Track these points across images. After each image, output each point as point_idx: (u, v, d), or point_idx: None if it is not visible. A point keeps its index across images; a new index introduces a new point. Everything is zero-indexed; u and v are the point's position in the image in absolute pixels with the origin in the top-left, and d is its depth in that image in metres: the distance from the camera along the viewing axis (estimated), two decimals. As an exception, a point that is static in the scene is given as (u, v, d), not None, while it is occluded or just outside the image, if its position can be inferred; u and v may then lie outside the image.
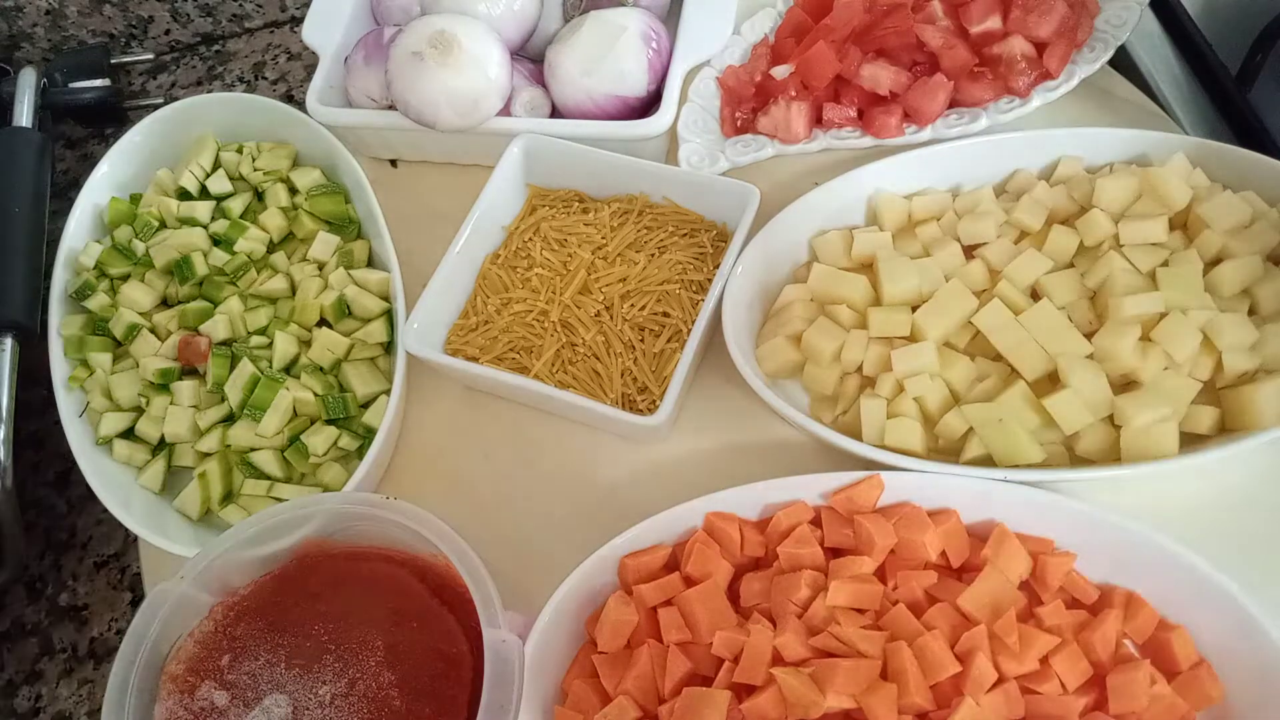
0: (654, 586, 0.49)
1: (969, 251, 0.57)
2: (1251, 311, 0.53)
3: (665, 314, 0.59)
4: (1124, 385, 0.52)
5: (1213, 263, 0.54)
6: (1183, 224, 0.56)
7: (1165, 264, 0.53)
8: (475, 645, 0.48)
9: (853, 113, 0.63)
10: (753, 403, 0.57)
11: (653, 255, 0.61)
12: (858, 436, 0.53)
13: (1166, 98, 0.73)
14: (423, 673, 0.49)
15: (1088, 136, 0.61)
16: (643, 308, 0.59)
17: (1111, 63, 0.78)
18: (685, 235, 0.62)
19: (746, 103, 0.66)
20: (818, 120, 0.64)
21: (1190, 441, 0.51)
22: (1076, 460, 0.52)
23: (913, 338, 0.55)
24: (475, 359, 0.60)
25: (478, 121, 0.65)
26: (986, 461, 0.51)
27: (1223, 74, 0.71)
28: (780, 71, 0.65)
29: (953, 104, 0.63)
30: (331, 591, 0.53)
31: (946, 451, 0.54)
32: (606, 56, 0.65)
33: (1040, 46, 0.62)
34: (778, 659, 0.46)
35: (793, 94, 0.64)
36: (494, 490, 0.59)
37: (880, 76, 0.62)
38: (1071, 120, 0.66)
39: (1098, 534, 0.48)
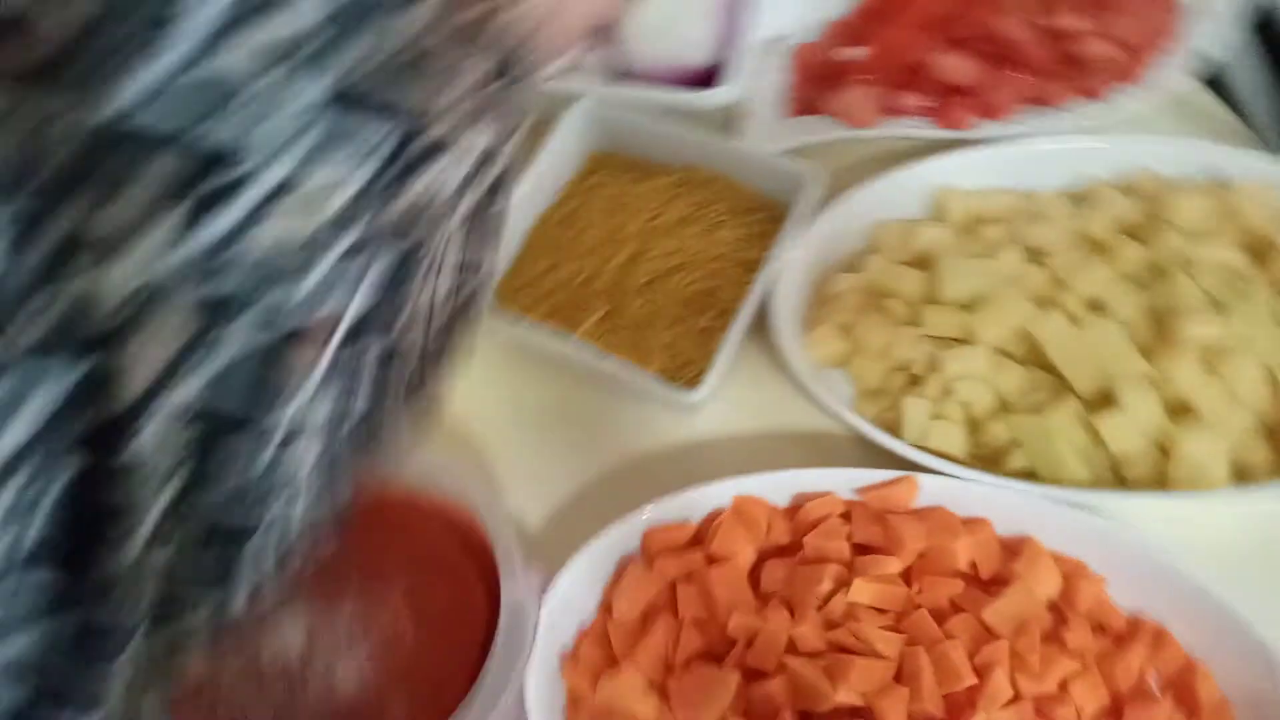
0: (675, 561, 0.49)
1: (1033, 257, 0.56)
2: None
3: (715, 290, 0.58)
4: (1179, 412, 0.50)
5: (1282, 288, 0.52)
6: (1261, 251, 0.54)
7: (1237, 291, 0.51)
8: (494, 597, 0.49)
9: (926, 102, 0.62)
10: (794, 389, 0.56)
11: (707, 230, 0.60)
12: (899, 435, 0.52)
13: (1258, 119, 0.70)
14: (440, 615, 0.49)
15: (1168, 149, 0.59)
16: (692, 282, 0.58)
17: (1206, 79, 0.75)
18: (742, 213, 0.61)
19: (816, 82, 0.65)
20: (888, 107, 0.62)
21: (1243, 477, 0.50)
22: (1122, 483, 0.50)
23: (965, 340, 0.54)
24: (519, 318, 0.59)
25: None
26: (1029, 475, 0.50)
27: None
28: (854, 53, 0.63)
29: (1029, 101, 0.61)
30: (358, 529, 0.53)
31: (988, 459, 0.53)
32: (676, 22, 0.64)
33: (1126, 51, 0.59)
34: (792, 648, 0.45)
35: (865, 77, 0.62)
36: (526, 451, 0.59)
37: (957, 67, 0.60)
38: (1153, 131, 0.63)
39: (1132, 562, 0.47)
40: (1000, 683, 0.43)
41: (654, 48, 0.65)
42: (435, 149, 0.23)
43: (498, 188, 0.26)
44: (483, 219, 0.26)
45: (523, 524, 0.57)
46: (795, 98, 0.65)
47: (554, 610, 0.48)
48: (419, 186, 0.23)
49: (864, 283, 0.57)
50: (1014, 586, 0.46)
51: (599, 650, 0.49)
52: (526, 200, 0.63)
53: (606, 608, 0.50)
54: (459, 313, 0.28)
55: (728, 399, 0.59)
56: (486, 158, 0.25)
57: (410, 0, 0.22)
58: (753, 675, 0.46)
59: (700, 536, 0.51)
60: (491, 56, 0.25)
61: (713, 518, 0.51)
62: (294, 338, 0.21)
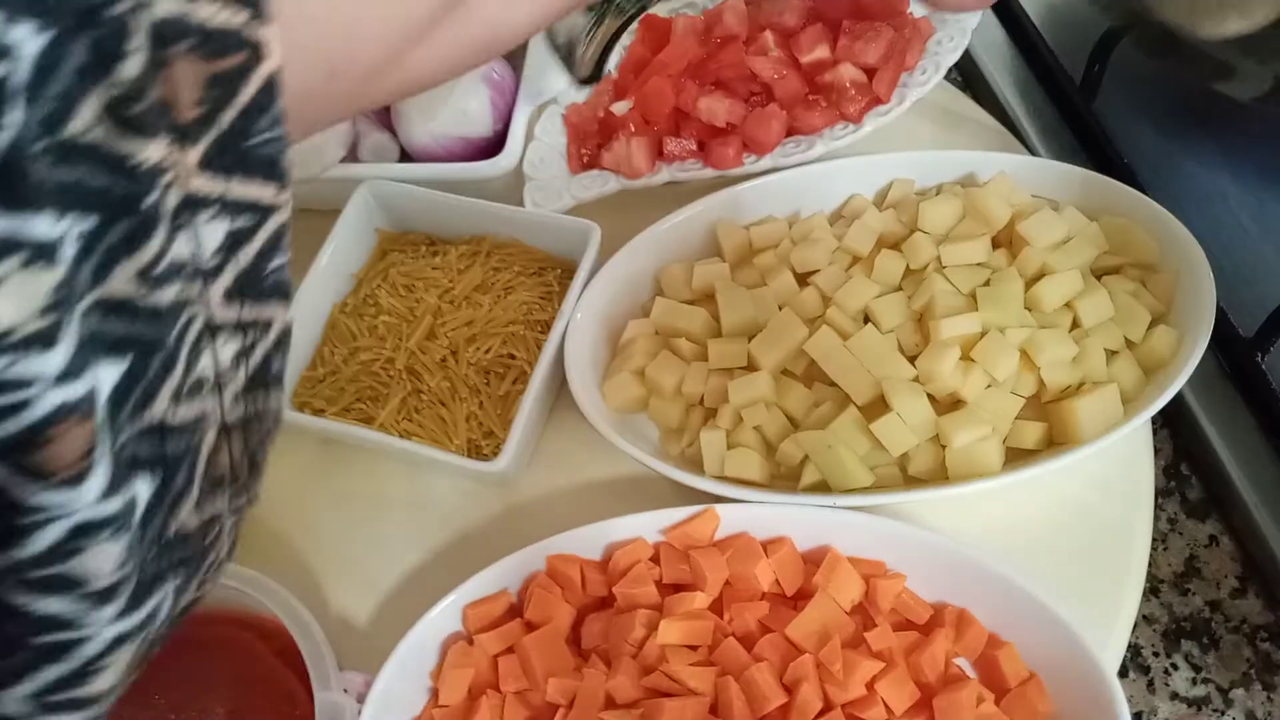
0: (494, 635, 0.49)
1: (803, 279, 0.58)
2: (1075, 325, 0.55)
3: (511, 356, 0.59)
4: (952, 405, 0.53)
5: (1035, 279, 0.55)
6: (1007, 242, 0.58)
7: (987, 284, 0.54)
8: (317, 706, 0.48)
9: (693, 145, 0.64)
10: (605, 440, 0.57)
11: (499, 297, 0.61)
12: (701, 468, 0.54)
13: (1015, 112, 0.75)
14: (263, 735, 0.48)
15: (918, 159, 0.62)
16: (488, 350, 0.59)
17: (965, 78, 0.80)
18: (532, 274, 0.62)
19: (591, 139, 0.66)
20: (660, 154, 0.65)
21: (1019, 457, 0.52)
22: (911, 482, 0.53)
23: (750, 367, 0.55)
24: (322, 411, 0.59)
25: (320, 170, 0.65)
26: (822, 488, 0.52)
27: (1067, 85, 0.74)
28: (620, 107, 0.66)
29: (790, 132, 0.64)
30: (173, 657, 0.52)
31: (788, 478, 0.54)
32: (448, 99, 0.65)
33: (870, 72, 0.63)
34: (610, 702, 0.46)
35: (633, 129, 0.64)
36: (348, 541, 0.59)
37: (716, 109, 0.63)
38: (911, 142, 0.67)
39: (925, 555, 0.49)
40: (808, 697, 0.44)
41: (433, 124, 0.66)
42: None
43: (270, 249, 0.25)
44: (256, 278, 0.25)
45: (350, 620, 0.56)
46: (573, 156, 0.67)
47: (381, 708, 0.48)
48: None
49: (652, 326, 0.59)
50: (816, 599, 0.47)
51: (430, 739, 0.48)
52: (319, 291, 0.63)
53: (434, 695, 0.50)
54: (256, 377, 0.26)
55: (544, 459, 0.60)
56: (244, 222, 0.24)
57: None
58: (579, 735, 0.46)
59: (518, 605, 0.51)
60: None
61: (529, 582, 0.51)
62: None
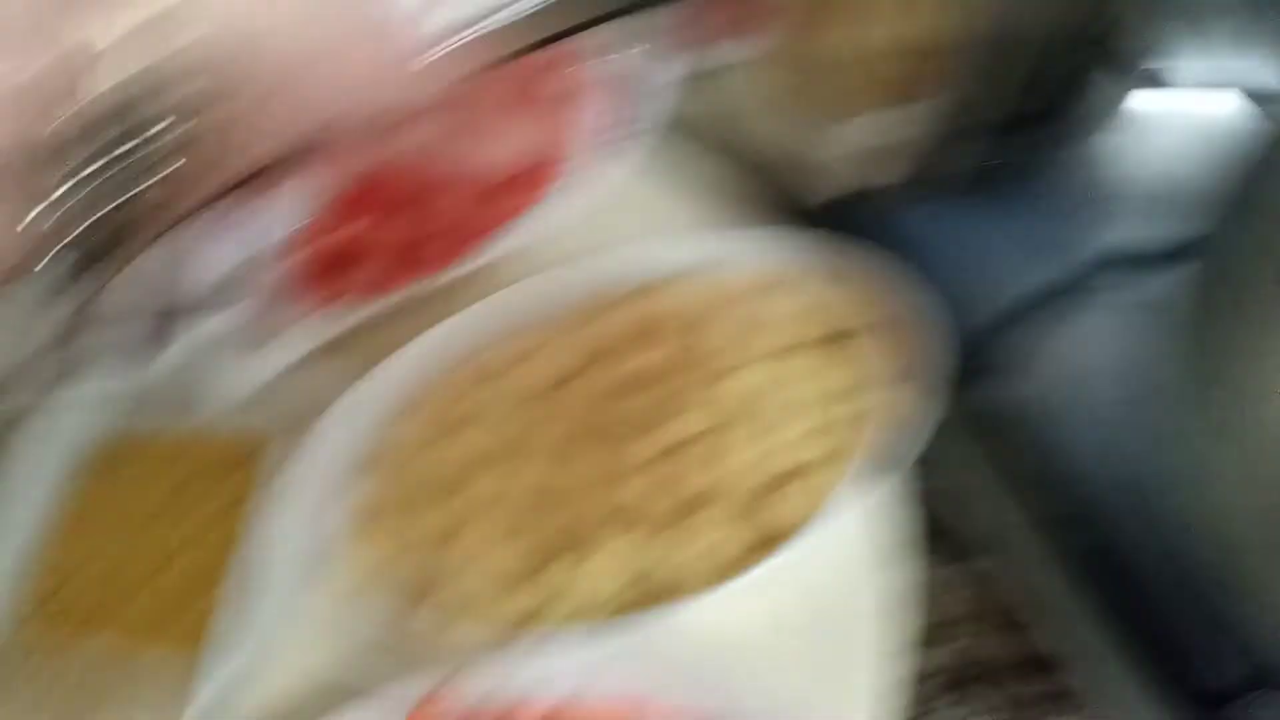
0: None
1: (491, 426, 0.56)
2: (780, 413, 0.53)
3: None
4: (659, 527, 0.50)
5: (730, 373, 0.54)
6: (696, 340, 0.56)
7: (674, 390, 0.53)
8: None
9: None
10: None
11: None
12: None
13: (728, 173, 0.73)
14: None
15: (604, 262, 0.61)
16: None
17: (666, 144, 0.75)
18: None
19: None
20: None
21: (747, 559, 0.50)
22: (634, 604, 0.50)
23: (458, 530, 0.53)
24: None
25: None
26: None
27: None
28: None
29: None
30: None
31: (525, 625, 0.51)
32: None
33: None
34: None
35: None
36: None
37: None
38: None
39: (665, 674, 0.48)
40: None
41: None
42: None
43: None
44: None
45: None
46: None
47: None
48: None
49: (354, 509, 0.56)
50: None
51: None
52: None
53: None
54: None
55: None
56: None
57: None
58: None
59: None
60: None
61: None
62: None
